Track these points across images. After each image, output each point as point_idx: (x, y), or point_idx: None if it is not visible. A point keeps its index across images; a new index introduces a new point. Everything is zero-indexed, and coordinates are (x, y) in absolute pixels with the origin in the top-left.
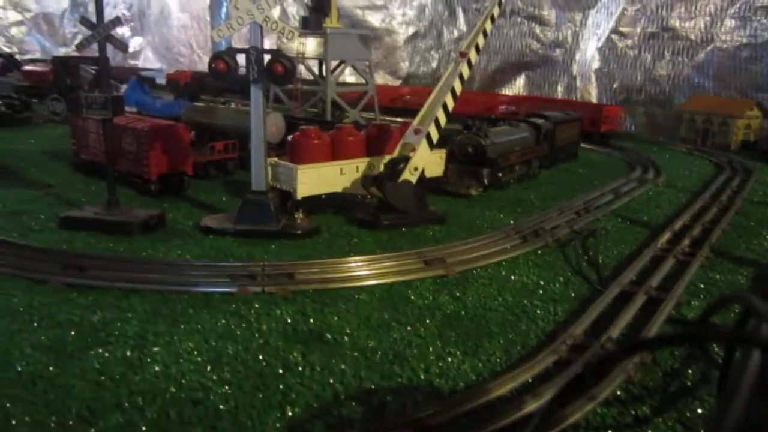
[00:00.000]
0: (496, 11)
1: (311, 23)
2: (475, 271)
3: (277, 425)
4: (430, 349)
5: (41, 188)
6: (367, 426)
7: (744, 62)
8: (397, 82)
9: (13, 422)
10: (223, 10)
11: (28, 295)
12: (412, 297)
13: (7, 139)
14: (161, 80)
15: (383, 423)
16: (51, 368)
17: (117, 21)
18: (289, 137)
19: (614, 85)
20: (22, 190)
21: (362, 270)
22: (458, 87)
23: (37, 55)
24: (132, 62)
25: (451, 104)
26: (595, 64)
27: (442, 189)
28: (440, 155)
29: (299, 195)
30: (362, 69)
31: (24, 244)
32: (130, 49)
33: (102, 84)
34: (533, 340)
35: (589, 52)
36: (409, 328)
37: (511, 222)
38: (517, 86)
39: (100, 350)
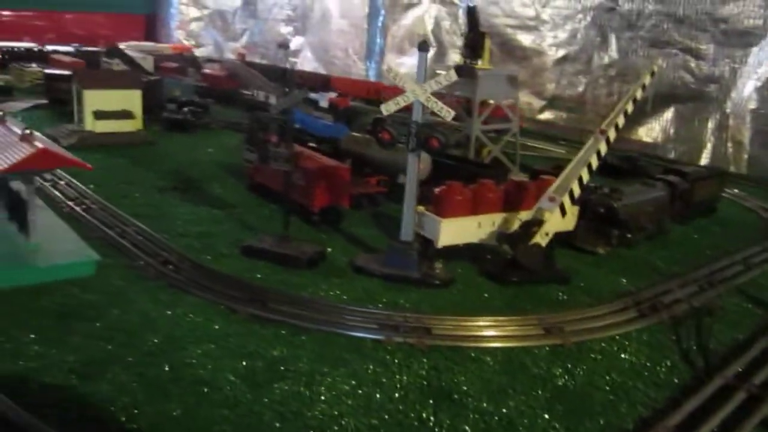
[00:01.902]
0: (639, 93)
1: (465, 71)
2: (589, 343)
3: None
4: (539, 420)
5: (225, 208)
6: None
7: None
8: (541, 103)
9: None
10: (380, 19)
11: (225, 323)
12: (529, 364)
13: (189, 147)
14: (324, 103)
15: None
16: (248, 395)
17: (305, 92)
18: (436, 190)
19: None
20: (210, 209)
21: (489, 330)
22: (594, 163)
23: (210, 49)
24: (293, 60)
25: (586, 178)
26: (752, 104)
27: (570, 243)
28: (573, 211)
29: (439, 244)
30: (508, 107)
31: (218, 270)
32: (292, 47)
33: (286, 141)
34: (629, 425)
35: (747, 91)
36: (523, 396)
37: (633, 291)
38: (664, 118)
39: (282, 384)
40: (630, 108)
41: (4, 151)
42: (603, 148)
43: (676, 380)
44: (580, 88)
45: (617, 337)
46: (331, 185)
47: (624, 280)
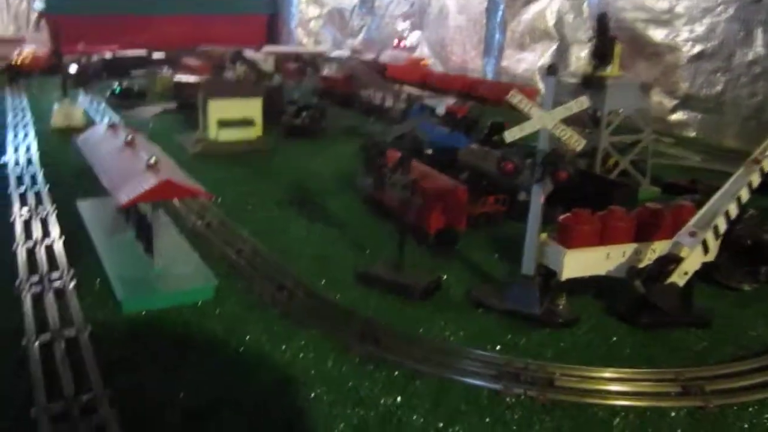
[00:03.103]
0: None
1: (593, 81)
2: (735, 408)
3: None
4: None
5: (340, 226)
6: None
7: None
8: (674, 103)
9: None
10: (499, 14)
11: (338, 361)
12: (664, 430)
13: (307, 155)
14: (441, 110)
15: None
16: None
17: (422, 118)
18: (561, 218)
19: None
20: (324, 227)
21: (618, 385)
22: (745, 197)
23: (328, 46)
24: (412, 54)
25: (734, 213)
26: None
27: (710, 276)
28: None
29: (563, 277)
30: (638, 117)
31: (331, 299)
32: (409, 43)
33: (404, 168)
34: None
35: None
36: None
37: None
38: None
39: None
40: None
41: (131, 180)
42: (756, 180)
43: None
44: (719, 87)
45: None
46: (447, 207)
47: None
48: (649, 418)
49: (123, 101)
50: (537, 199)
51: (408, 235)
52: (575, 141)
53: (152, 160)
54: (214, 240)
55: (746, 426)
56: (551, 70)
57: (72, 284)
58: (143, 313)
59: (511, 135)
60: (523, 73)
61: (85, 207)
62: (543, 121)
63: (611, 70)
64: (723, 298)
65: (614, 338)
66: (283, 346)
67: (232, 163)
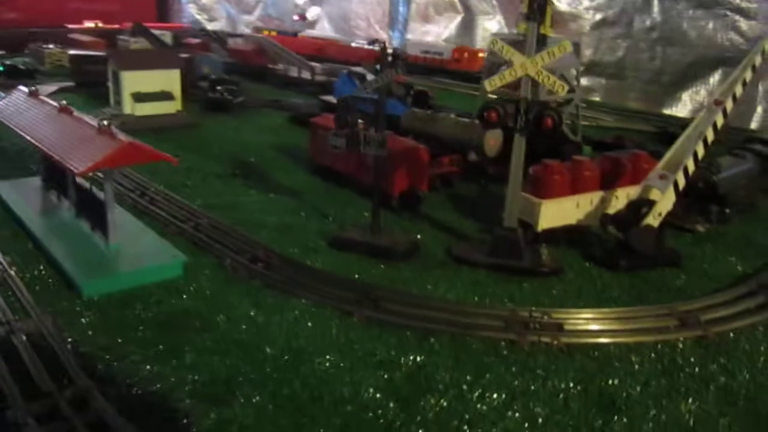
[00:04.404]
0: (758, 60)
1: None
2: (732, 335)
3: None
4: (722, 430)
5: (294, 195)
6: None
7: None
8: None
9: None
10: None
11: (343, 328)
12: (680, 361)
13: (234, 128)
14: (371, 77)
15: None
16: (400, 414)
17: (397, 70)
18: (531, 169)
19: None
20: (279, 197)
21: (622, 324)
22: (711, 136)
23: (223, 23)
24: (309, 31)
25: (701, 153)
26: None
27: (667, 221)
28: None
29: (539, 228)
30: (570, 76)
31: (314, 267)
32: (309, 17)
33: (379, 125)
34: None
35: None
36: (690, 400)
37: (751, 273)
38: (712, 82)
39: (430, 398)
40: (749, 76)
41: (82, 146)
42: (720, 121)
43: None
44: (620, 53)
45: (760, 328)
46: (410, 168)
47: (732, 259)
48: (663, 351)
49: (10, 81)
50: (519, 149)
51: (374, 199)
52: (559, 86)
53: (104, 123)
54: (165, 216)
55: (747, 347)
56: (532, 15)
57: (13, 272)
58: (107, 296)
59: (491, 84)
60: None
61: (4, 188)
62: (525, 68)
63: (543, 29)
64: (681, 239)
65: (600, 282)
66: (277, 318)
67: (157, 139)
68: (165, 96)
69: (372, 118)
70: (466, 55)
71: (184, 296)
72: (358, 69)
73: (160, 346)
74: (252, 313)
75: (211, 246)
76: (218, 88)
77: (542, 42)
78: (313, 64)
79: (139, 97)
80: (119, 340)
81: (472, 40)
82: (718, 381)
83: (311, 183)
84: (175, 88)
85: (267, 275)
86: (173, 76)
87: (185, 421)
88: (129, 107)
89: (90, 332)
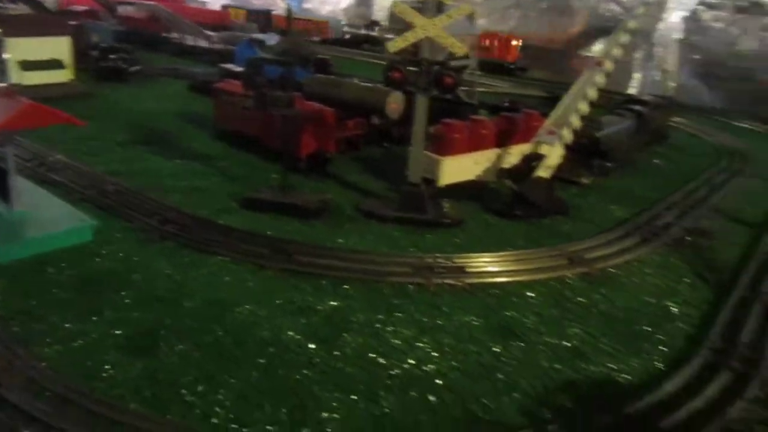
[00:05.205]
0: (632, 24)
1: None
2: (611, 270)
3: (510, 407)
4: (602, 346)
5: (200, 160)
6: (580, 414)
7: None
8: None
9: (317, 400)
10: None
11: (259, 280)
12: (568, 294)
13: (132, 97)
14: (272, 43)
15: (591, 413)
16: (321, 352)
17: (304, 33)
18: (432, 129)
19: (696, 56)
20: (185, 162)
21: (518, 265)
22: (593, 95)
23: None
24: None
25: (585, 110)
26: (678, 34)
27: (557, 175)
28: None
29: (441, 183)
30: (468, 43)
31: (227, 226)
32: None
33: (287, 85)
34: (681, 342)
35: (673, 20)
36: (577, 324)
37: (627, 218)
38: (595, 50)
39: (348, 336)
40: (625, 39)
41: None
42: (600, 80)
43: (700, 296)
44: (512, 23)
45: (635, 263)
46: (317, 130)
47: (612, 207)
48: (553, 286)
49: None
50: (422, 108)
51: (284, 159)
52: (458, 47)
53: (7, 84)
54: (68, 184)
55: (624, 280)
56: None
57: None
58: (18, 262)
59: (394, 46)
60: (327, 15)
61: None
62: (426, 29)
63: None
64: (568, 190)
65: (498, 230)
66: (194, 274)
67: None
68: (55, 64)
69: (277, 81)
70: (496, 42)
71: (97, 259)
72: (259, 36)
73: (78, 306)
74: (168, 272)
75: (119, 210)
76: (111, 56)
77: (439, 9)
78: (210, 32)
79: (27, 66)
80: (34, 303)
81: (369, 10)
82: (600, 308)
83: (218, 148)
84: (66, 56)
85: (180, 236)
86: (63, 43)
87: (113, 372)
88: (16, 76)
89: (1, 298)
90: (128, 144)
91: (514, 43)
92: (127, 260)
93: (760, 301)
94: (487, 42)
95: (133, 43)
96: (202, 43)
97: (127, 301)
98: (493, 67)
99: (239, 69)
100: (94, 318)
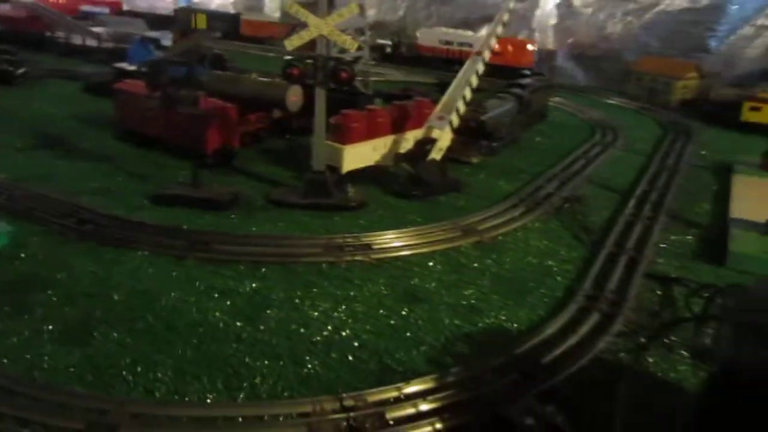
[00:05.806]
0: (506, 17)
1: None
2: (501, 237)
3: (419, 358)
4: (493, 302)
5: (106, 161)
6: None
7: (685, 25)
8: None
9: (249, 369)
10: None
11: (181, 270)
12: (464, 261)
13: (22, 101)
14: (166, 42)
15: (486, 357)
16: (247, 327)
17: (207, 32)
18: (332, 119)
19: (569, 40)
20: (91, 164)
21: (419, 239)
22: (475, 82)
23: None
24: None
25: (469, 97)
26: (553, 20)
27: (448, 156)
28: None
29: (344, 170)
30: (358, 35)
31: (144, 222)
32: None
33: (192, 84)
34: (560, 293)
35: (548, 7)
36: (473, 286)
37: (513, 191)
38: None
39: (270, 312)
40: (500, 30)
41: None
42: (481, 68)
43: (575, 255)
44: (401, 12)
45: (519, 230)
46: (221, 126)
47: (501, 182)
48: (451, 255)
49: None
50: (321, 101)
51: (193, 155)
52: (350, 44)
53: None
54: None
55: (511, 245)
56: None
57: None
58: None
59: (291, 44)
60: (216, 8)
61: None
62: (319, 27)
63: None
64: (461, 169)
65: (399, 210)
66: (118, 269)
67: None
68: None
69: (181, 80)
70: (510, 47)
71: (17, 262)
72: (153, 34)
73: (6, 308)
74: (92, 269)
75: (33, 214)
76: None
77: (330, 4)
78: (98, 30)
79: None
80: None
81: (259, 2)
82: (492, 270)
83: (122, 148)
84: None
85: (99, 234)
86: None
87: (53, 363)
88: None
89: None
90: (29, 150)
91: (529, 47)
92: (48, 261)
93: (624, 255)
94: (501, 47)
95: (14, 44)
96: (92, 42)
97: (54, 298)
98: (506, 74)
99: (134, 68)
100: (26, 316)
